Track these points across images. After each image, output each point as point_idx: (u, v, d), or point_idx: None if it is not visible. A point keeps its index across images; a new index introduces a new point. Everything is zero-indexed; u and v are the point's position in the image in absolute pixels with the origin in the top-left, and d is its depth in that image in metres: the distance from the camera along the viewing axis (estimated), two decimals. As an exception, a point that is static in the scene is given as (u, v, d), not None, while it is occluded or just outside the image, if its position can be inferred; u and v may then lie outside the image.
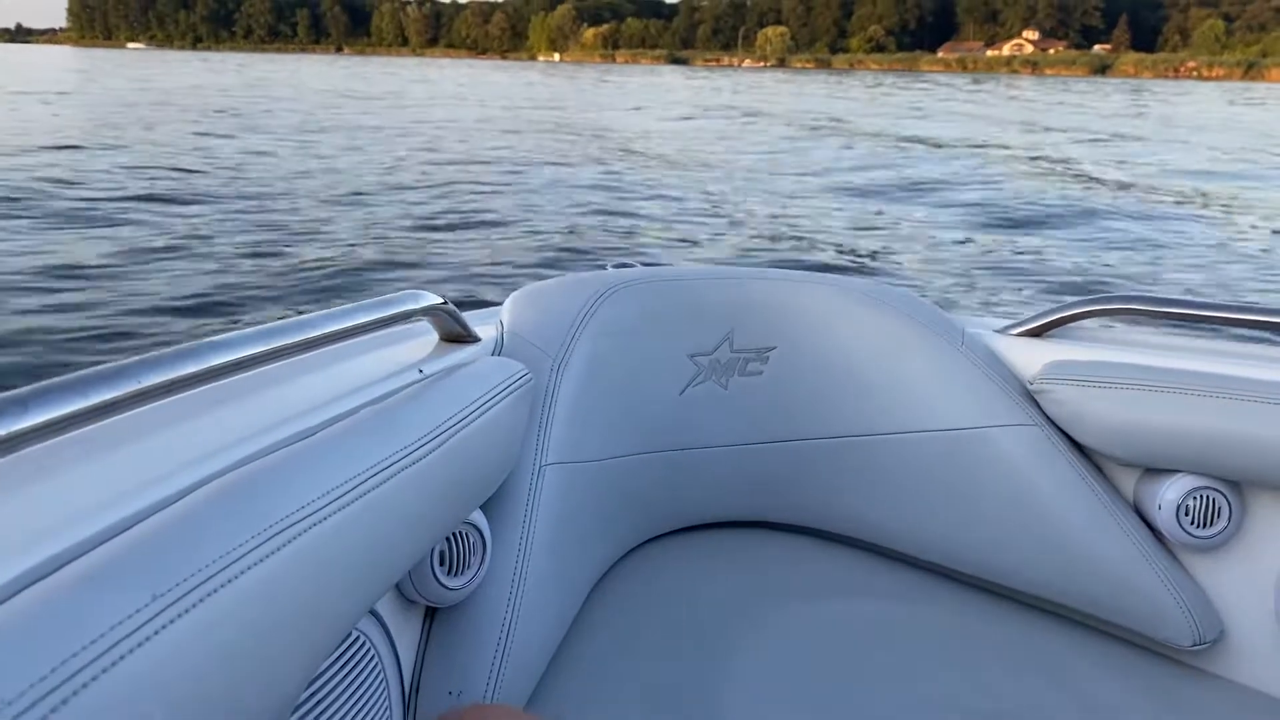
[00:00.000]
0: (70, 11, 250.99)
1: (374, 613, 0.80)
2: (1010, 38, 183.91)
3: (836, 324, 1.28)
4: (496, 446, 0.91)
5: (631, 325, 1.23)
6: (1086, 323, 1.25)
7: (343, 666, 0.71)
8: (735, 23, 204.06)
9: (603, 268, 1.39)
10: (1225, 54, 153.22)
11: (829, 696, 0.97)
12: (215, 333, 0.66)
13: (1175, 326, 1.22)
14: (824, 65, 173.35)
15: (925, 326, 1.25)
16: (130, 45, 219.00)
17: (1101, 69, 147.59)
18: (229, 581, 0.48)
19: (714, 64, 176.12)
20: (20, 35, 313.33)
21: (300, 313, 0.77)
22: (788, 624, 1.10)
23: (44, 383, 0.50)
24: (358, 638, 0.74)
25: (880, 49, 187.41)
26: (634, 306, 1.24)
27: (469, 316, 1.15)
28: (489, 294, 5.30)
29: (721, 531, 1.35)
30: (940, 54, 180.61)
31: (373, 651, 0.76)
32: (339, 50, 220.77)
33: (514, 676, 0.91)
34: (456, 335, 1.06)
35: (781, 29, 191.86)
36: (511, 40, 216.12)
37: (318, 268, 5.90)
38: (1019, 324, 1.28)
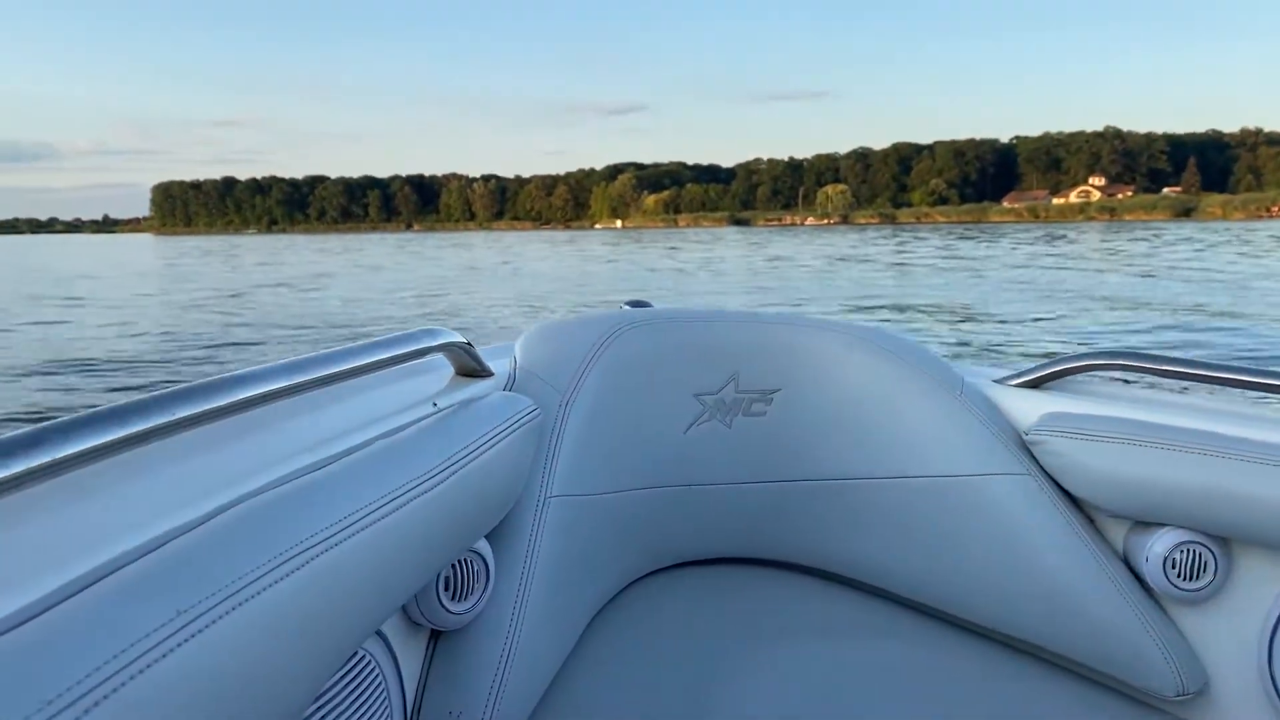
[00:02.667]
0: (153, 202, 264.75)
1: (380, 634, 0.83)
2: (1075, 185, 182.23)
3: (840, 368, 1.31)
4: (502, 478, 0.94)
5: (640, 363, 1.27)
6: (1083, 376, 1.28)
7: (349, 684, 0.74)
8: (793, 183, 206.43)
9: (618, 307, 1.42)
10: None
11: None
12: (244, 365, 0.71)
13: (1168, 383, 1.22)
14: (889, 220, 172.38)
15: (926, 374, 1.27)
16: (247, 232, 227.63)
17: (1185, 212, 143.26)
18: (247, 600, 0.51)
19: (776, 224, 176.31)
20: (106, 225, 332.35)
21: (325, 348, 0.81)
22: (782, 660, 1.11)
23: (85, 413, 0.54)
24: (364, 657, 0.77)
25: (943, 201, 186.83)
26: (643, 345, 1.28)
27: (485, 351, 1.20)
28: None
29: (721, 567, 1.37)
30: (1005, 203, 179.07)
31: (378, 671, 0.79)
32: (409, 227, 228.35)
33: (512, 701, 0.93)
34: (471, 370, 1.11)
35: (841, 186, 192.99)
36: (574, 210, 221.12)
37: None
38: (1018, 375, 1.30)
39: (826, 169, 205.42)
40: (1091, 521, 1.16)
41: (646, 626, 1.19)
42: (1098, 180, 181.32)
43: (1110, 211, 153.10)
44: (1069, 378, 1.27)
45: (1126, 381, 1.30)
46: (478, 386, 1.09)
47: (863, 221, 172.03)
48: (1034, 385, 1.27)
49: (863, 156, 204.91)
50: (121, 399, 0.58)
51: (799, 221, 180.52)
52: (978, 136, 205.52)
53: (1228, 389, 1.13)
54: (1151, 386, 1.28)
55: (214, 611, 0.48)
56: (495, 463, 0.90)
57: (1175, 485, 1.04)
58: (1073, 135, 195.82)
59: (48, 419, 0.53)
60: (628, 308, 1.41)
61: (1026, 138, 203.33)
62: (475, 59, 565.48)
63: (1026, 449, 1.19)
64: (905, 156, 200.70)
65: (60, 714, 0.38)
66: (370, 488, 0.68)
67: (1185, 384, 1.17)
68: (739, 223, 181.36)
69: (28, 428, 0.51)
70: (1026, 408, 1.23)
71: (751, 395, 1.32)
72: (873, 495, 1.27)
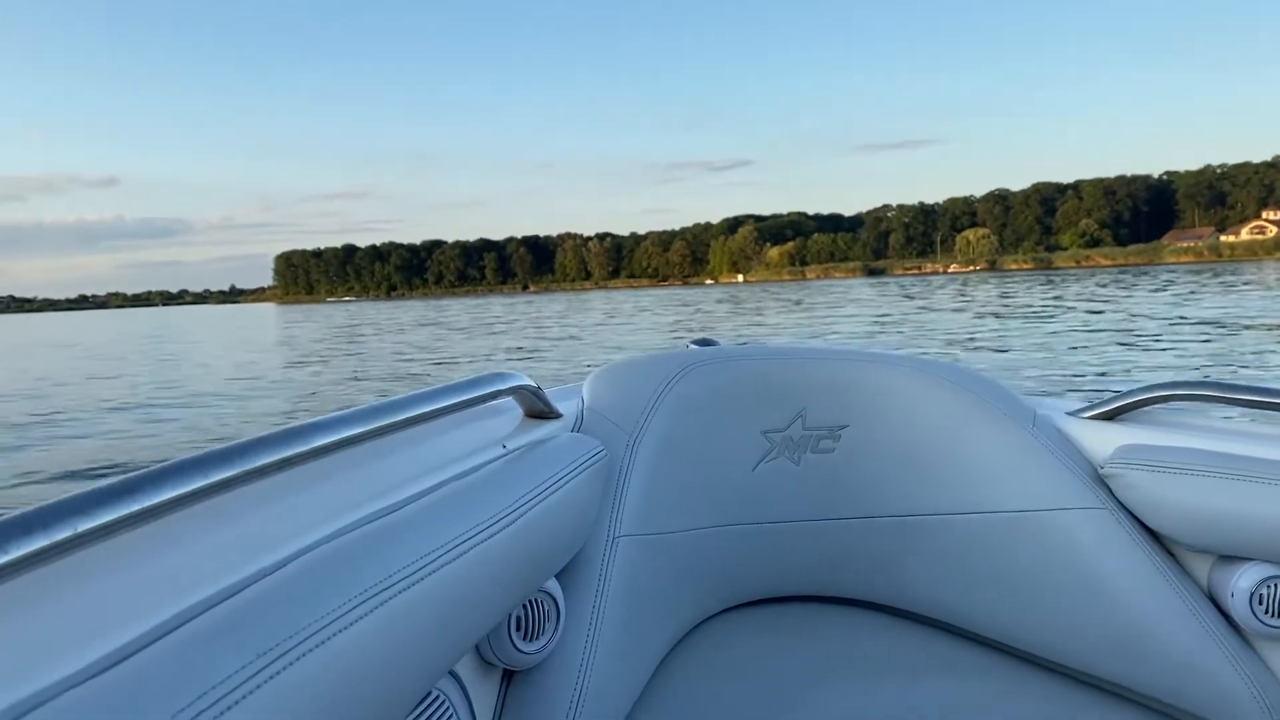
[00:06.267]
0: (276, 271, 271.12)
1: (454, 674, 0.83)
2: (1244, 220, 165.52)
3: (908, 403, 1.30)
4: (571, 519, 0.95)
5: (706, 402, 1.27)
6: (1160, 407, 1.24)
7: None
8: (926, 229, 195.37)
9: (685, 345, 1.43)
10: None
11: None
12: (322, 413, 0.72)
13: (1249, 413, 1.17)
14: (1043, 265, 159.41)
15: (996, 407, 1.25)
16: (339, 299, 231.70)
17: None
18: (324, 642, 0.52)
19: (915, 272, 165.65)
20: (232, 295, 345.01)
21: (399, 393, 0.83)
22: (855, 699, 1.10)
23: (171, 462, 0.56)
24: (437, 696, 0.78)
25: (1095, 243, 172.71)
26: (709, 384, 1.28)
27: (552, 393, 1.23)
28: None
29: (792, 605, 1.35)
30: (1164, 241, 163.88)
31: (451, 710, 0.80)
32: (525, 288, 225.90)
33: None
34: (539, 412, 1.13)
35: (983, 230, 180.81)
36: (692, 266, 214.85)
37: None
38: (1091, 406, 1.27)
39: (962, 213, 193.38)
40: (1173, 556, 1.13)
41: (718, 665, 1.19)
42: (1272, 214, 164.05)
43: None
44: (1144, 409, 1.23)
45: (1206, 413, 1.25)
46: (546, 428, 1.11)
47: (1014, 267, 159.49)
48: (1108, 417, 1.24)
49: (1001, 198, 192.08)
50: (205, 450, 0.59)
51: (941, 269, 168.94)
52: (1127, 173, 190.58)
53: None
54: (1230, 418, 1.24)
55: (292, 654, 0.50)
56: (563, 504, 0.91)
57: (1260, 518, 1.00)
58: (1238, 166, 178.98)
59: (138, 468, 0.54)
60: (694, 346, 1.42)
61: (1182, 171, 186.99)
62: (582, 124, 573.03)
63: (1103, 483, 1.17)
64: (1048, 197, 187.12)
65: None
66: (441, 531, 0.70)
67: (1266, 413, 1.13)
68: (874, 273, 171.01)
69: (118, 477, 0.53)
70: (1101, 440, 1.21)
71: (819, 432, 1.31)
72: (944, 532, 1.26)
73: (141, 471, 0.54)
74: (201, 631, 0.49)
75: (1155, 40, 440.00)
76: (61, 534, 0.47)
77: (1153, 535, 1.13)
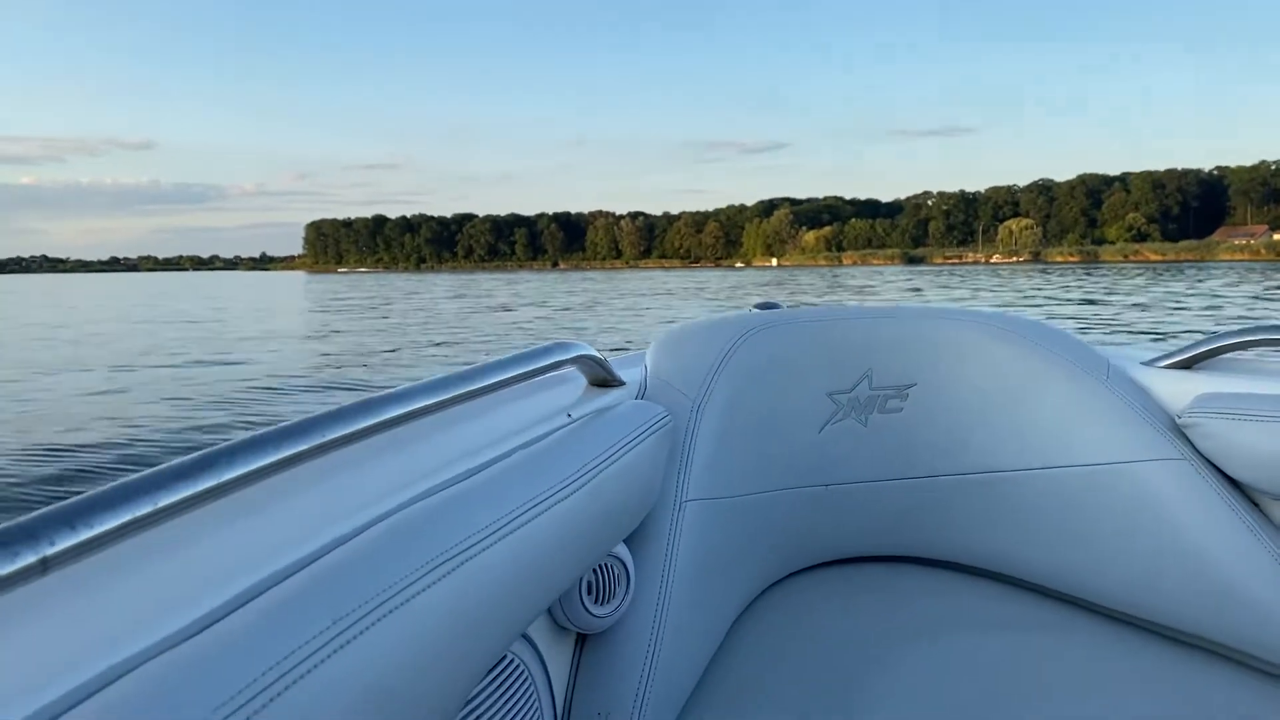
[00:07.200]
0: (306, 240, 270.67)
1: (528, 638, 0.86)
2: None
3: (977, 359, 1.28)
4: (638, 484, 0.96)
5: (770, 365, 1.26)
6: (1238, 354, 1.22)
7: (499, 687, 0.77)
8: (967, 218, 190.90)
9: (747, 309, 1.43)
10: None
11: None
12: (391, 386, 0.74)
13: None
14: (1090, 258, 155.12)
15: (1068, 359, 1.24)
16: (353, 269, 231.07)
17: None
18: (398, 608, 0.54)
19: (956, 261, 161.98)
20: (263, 262, 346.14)
21: (465, 365, 0.84)
22: (929, 657, 1.09)
23: (249, 436, 0.57)
24: (513, 660, 0.80)
25: (1143, 237, 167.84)
26: (773, 347, 1.28)
27: (615, 360, 1.24)
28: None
29: (862, 566, 1.35)
30: (1216, 238, 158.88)
31: (526, 673, 0.82)
32: (555, 265, 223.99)
33: (658, 702, 0.94)
34: (603, 380, 1.13)
35: (1026, 221, 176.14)
36: (725, 248, 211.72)
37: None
38: (1167, 356, 1.25)
39: (1004, 202, 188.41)
40: (1256, 506, 1.11)
41: (790, 626, 1.19)
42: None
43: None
44: (1222, 356, 1.21)
45: None
46: (610, 396, 1.11)
47: (1059, 259, 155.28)
48: (1185, 366, 1.22)
49: (1045, 189, 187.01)
50: (279, 424, 0.61)
51: (984, 259, 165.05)
52: (1177, 166, 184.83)
53: None
54: None
55: (367, 619, 0.51)
56: (630, 469, 0.92)
57: None
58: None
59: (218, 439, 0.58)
60: (756, 310, 1.41)
61: (1233, 167, 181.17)
62: (615, 102, 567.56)
63: (1181, 433, 1.15)
64: (1094, 188, 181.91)
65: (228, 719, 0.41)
66: (511, 497, 0.71)
67: None
68: (913, 261, 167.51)
69: (198, 452, 0.54)
70: (1178, 390, 1.19)
71: (886, 392, 1.30)
72: (1017, 487, 1.24)
73: (220, 446, 0.56)
74: (279, 599, 0.51)
75: (1208, 32, 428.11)
76: (143, 509, 0.48)
77: (1234, 485, 1.11)
